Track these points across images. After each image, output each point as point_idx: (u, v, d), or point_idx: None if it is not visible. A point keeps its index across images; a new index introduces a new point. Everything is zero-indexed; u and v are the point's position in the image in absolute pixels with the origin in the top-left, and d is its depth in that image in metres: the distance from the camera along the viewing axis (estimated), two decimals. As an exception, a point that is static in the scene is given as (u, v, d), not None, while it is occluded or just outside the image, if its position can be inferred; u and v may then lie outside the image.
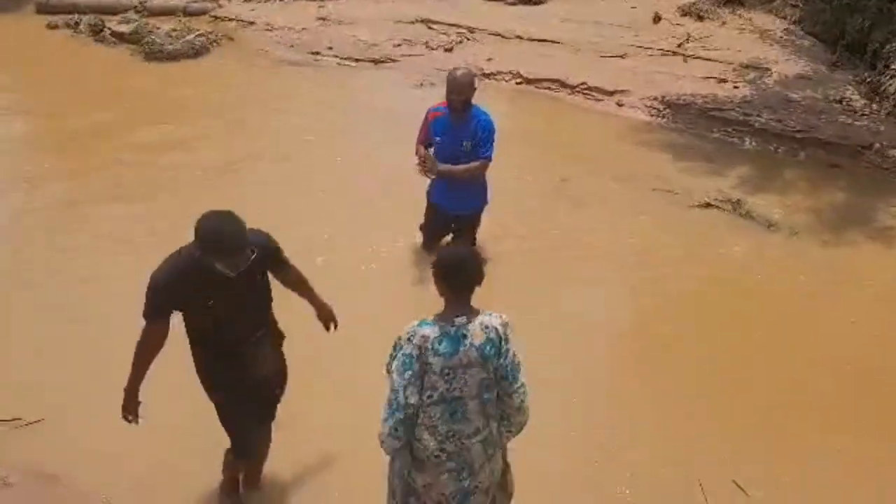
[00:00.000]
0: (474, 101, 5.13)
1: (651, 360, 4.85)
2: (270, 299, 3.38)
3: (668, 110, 8.18)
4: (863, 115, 7.87)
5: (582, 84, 8.65)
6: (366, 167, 6.80)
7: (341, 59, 9.57)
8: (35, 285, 5.30)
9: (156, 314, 3.14)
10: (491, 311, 2.91)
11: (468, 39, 9.78)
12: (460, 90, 5.04)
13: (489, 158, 5.17)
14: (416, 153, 5.16)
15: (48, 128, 7.80)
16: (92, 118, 7.72)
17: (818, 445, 4.18)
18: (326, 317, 3.60)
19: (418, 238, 5.68)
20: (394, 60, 9.46)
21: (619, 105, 8.39)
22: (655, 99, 8.30)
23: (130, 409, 3.30)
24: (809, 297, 5.42)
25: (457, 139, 5.14)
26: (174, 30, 9.71)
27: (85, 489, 3.73)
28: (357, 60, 9.51)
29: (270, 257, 3.27)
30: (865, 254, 6.01)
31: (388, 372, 2.85)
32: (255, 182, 6.59)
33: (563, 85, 8.72)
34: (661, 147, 7.57)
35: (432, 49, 9.63)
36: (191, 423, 3.81)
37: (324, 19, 10.40)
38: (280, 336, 3.51)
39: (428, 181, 5.35)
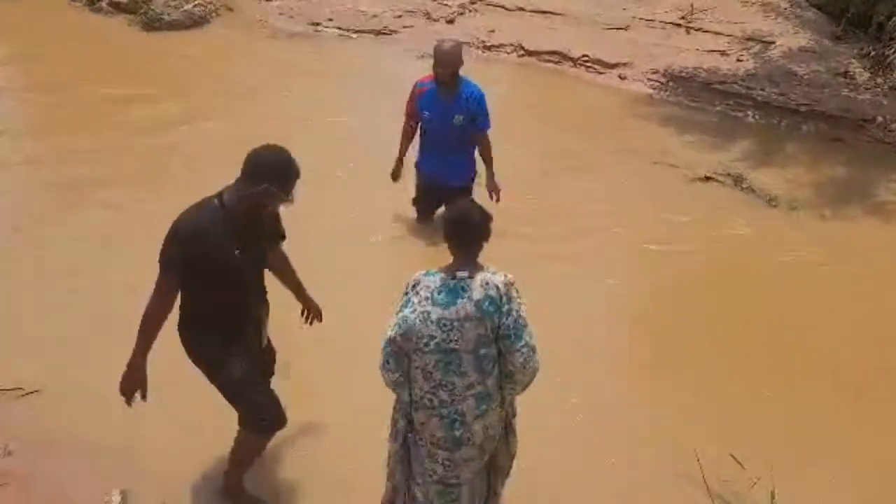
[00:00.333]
0: (464, 72, 5.12)
1: (648, 334, 4.86)
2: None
3: (670, 83, 8.12)
4: (866, 88, 7.82)
5: (584, 57, 8.59)
6: (367, 139, 6.76)
7: (342, 30, 9.49)
8: (37, 251, 5.30)
9: (173, 263, 3.02)
10: (497, 270, 2.97)
11: (470, 11, 9.69)
12: (448, 63, 5.01)
13: (488, 128, 5.22)
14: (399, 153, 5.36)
15: (42, 103, 7.72)
16: (88, 91, 7.64)
17: (816, 421, 4.19)
18: (313, 311, 3.61)
19: (412, 213, 5.69)
20: (395, 32, 9.38)
21: (622, 78, 8.34)
22: (657, 72, 8.24)
23: (137, 382, 3.10)
24: (809, 272, 5.42)
25: (447, 114, 5.13)
26: (173, -2, 9.63)
27: (85, 456, 3.74)
28: (358, 31, 9.43)
29: (278, 218, 3.32)
30: (865, 228, 6.00)
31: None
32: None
33: (566, 57, 8.66)
34: (663, 120, 7.54)
35: (434, 20, 9.54)
36: (193, 386, 3.79)
37: (324, -11, 10.32)
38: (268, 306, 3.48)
39: (417, 153, 5.37)
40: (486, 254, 3.09)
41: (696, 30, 9.04)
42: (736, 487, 3.55)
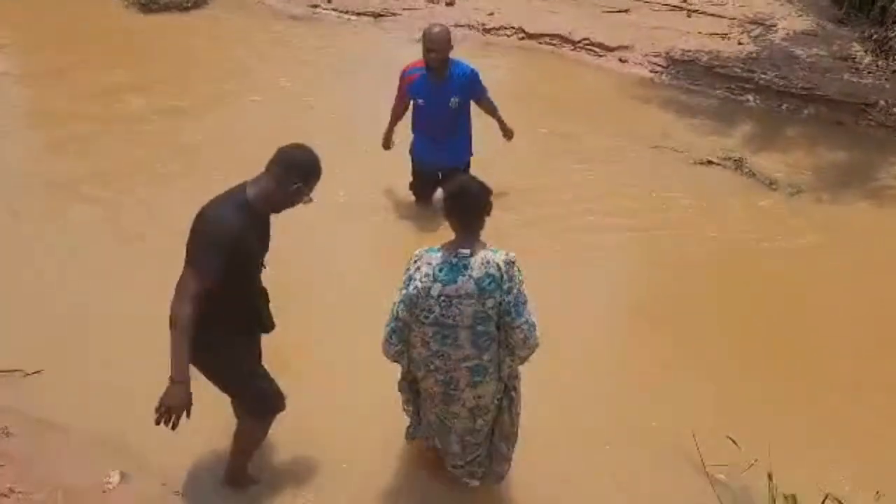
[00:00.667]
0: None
1: (647, 317, 4.85)
2: None
3: (671, 67, 8.09)
4: (868, 72, 7.78)
5: (584, 40, 8.55)
6: (366, 121, 6.72)
7: (340, 12, 9.44)
8: (37, 232, 5.31)
9: (216, 274, 2.86)
10: (498, 248, 3.05)
11: (470, -7, 9.64)
12: (439, 47, 5.00)
13: (486, 92, 5.36)
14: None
15: (39, 88, 7.69)
16: (84, 76, 7.62)
17: (815, 403, 4.20)
18: None
19: (411, 196, 5.70)
20: (394, 14, 9.33)
21: (622, 61, 8.30)
22: (658, 55, 8.21)
23: (188, 397, 2.91)
24: (809, 256, 5.41)
25: (443, 98, 5.12)
26: (171, -20, 9.57)
27: (85, 438, 3.75)
28: (357, 14, 9.38)
29: None
30: (866, 212, 5.98)
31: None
32: (255, 140, 6.52)
33: (566, 40, 8.62)
34: (664, 104, 7.51)
35: (433, 3, 9.50)
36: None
37: (323, -29, 10.25)
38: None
39: (410, 139, 5.37)
40: (483, 235, 3.12)
41: (698, 12, 8.99)
42: (733, 469, 3.56)
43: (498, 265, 2.97)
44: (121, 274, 4.82)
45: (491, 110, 5.47)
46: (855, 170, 6.55)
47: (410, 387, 3.35)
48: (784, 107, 7.50)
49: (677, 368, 4.38)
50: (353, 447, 3.73)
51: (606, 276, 5.20)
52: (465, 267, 2.97)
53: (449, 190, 3.14)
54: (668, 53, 8.19)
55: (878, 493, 3.33)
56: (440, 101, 5.13)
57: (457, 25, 8.56)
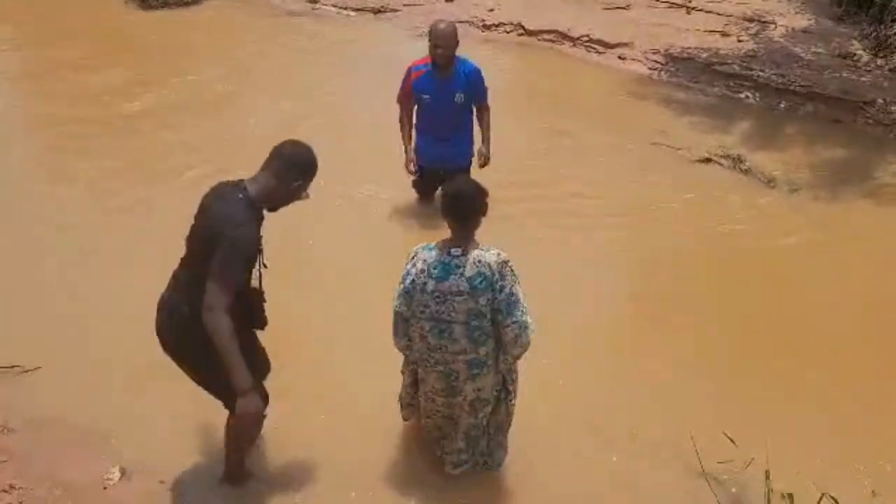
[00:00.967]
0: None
1: (645, 314, 4.87)
2: None
3: (670, 64, 8.09)
4: (867, 70, 7.79)
5: (584, 37, 8.55)
6: (366, 118, 6.73)
7: (340, 8, 9.43)
8: (34, 229, 5.31)
9: (240, 280, 2.91)
10: (491, 247, 3.14)
11: (470, -11, 9.64)
12: (446, 43, 4.99)
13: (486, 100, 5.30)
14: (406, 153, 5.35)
15: (37, 86, 7.67)
16: (83, 73, 7.61)
17: (812, 400, 4.20)
18: None
19: (414, 194, 5.70)
20: (394, 10, 9.33)
21: (621, 58, 8.30)
22: (657, 52, 8.21)
23: (259, 404, 3.00)
24: (807, 253, 5.42)
25: (448, 94, 5.12)
26: (170, -24, 9.56)
27: (85, 434, 3.75)
28: (357, 10, 9.37)
29: None
30: (864, 210, 5.98)
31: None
32: (255, 137, 6.53)
33: (565, 37, 8.62)
34: (663, 101, 7.51)
35: (433, -1, 9.49)
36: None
37: (323, -33, 10.24)
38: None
39: (414, 137, 5.38)
40: (481, 231, 3.19)
41: (697, 10, 8.99)
42: (730, 467, 3.57)
43: (490, 265, 3.07)
44: (120, 272, 4.83)
45: (484, 126, 5.36)
46: (853, 167, 6.56)
47: (412, 373, 3.42)
48: (783, 104, 7.50)
49: (675, 366, 4.39)
50: (351, 444, 3.73)
51: (604, 273, 5.20)
52: (458, 265, 3.09)
53: (447, 192, 3.25)
54: (667, 50, 8.19)
55: (873, 492, 3.35)
56: (445, 97, 5.13)
57: (457, 21, 8.53)
